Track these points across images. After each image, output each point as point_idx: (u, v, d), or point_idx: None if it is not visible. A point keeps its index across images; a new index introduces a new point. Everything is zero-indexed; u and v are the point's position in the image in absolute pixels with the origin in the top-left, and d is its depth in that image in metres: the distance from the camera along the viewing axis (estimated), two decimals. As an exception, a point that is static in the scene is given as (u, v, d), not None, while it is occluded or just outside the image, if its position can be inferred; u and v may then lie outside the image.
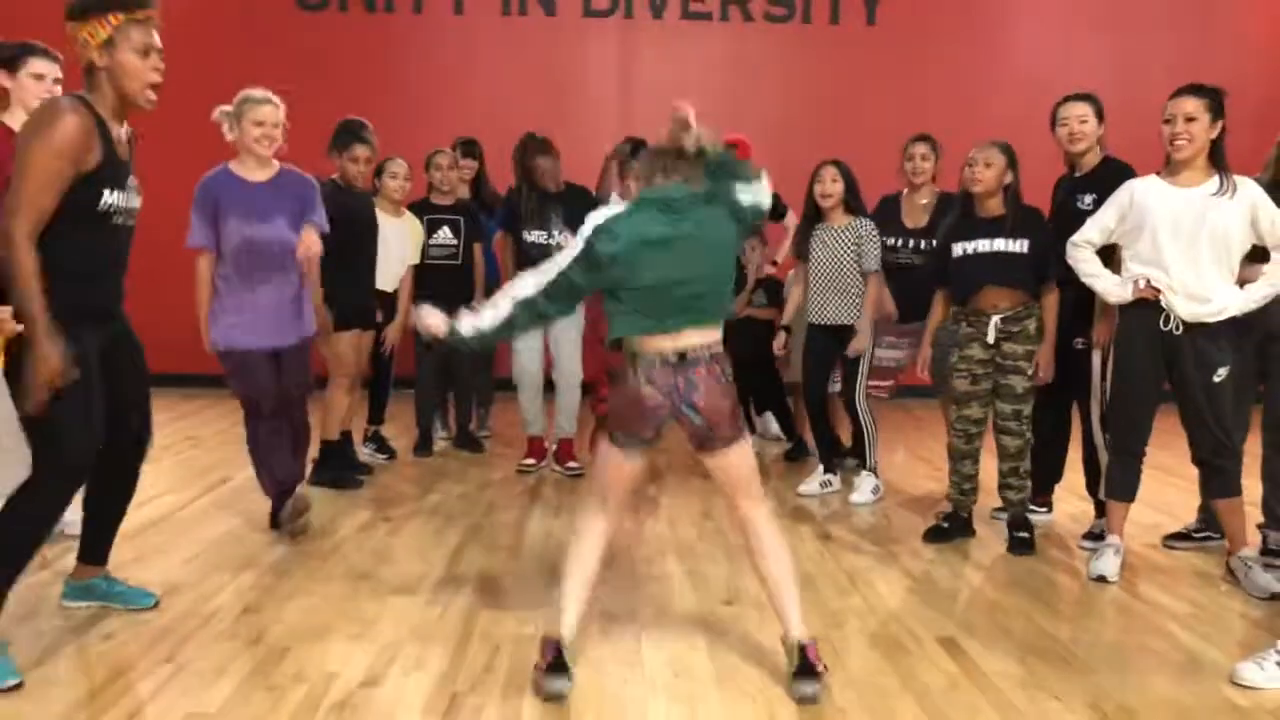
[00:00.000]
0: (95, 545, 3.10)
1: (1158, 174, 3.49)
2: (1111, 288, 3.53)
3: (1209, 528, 3.89)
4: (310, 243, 3.77)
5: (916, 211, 4.73)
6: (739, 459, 2.65)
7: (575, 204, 4.66)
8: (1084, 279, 3.61)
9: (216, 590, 3.27)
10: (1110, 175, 3.86)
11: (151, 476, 4.10)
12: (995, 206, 3.83)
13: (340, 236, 4.27)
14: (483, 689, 2.58)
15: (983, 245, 3.80)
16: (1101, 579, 3.50)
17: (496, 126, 5.87)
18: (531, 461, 5.04)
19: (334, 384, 4.68)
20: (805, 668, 2.55)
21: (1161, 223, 3.39)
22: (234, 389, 3.84)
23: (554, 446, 5.08)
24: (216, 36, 7.20)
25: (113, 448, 2.86)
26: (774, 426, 5.87)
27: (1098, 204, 3.77)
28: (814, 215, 4.61)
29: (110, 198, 2.64)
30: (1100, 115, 3.97)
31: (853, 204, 4.56)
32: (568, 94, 7.45)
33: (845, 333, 4.55)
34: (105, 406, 2.74)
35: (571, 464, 5.00)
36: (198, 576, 3.41)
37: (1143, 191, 3.47)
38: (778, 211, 5.83)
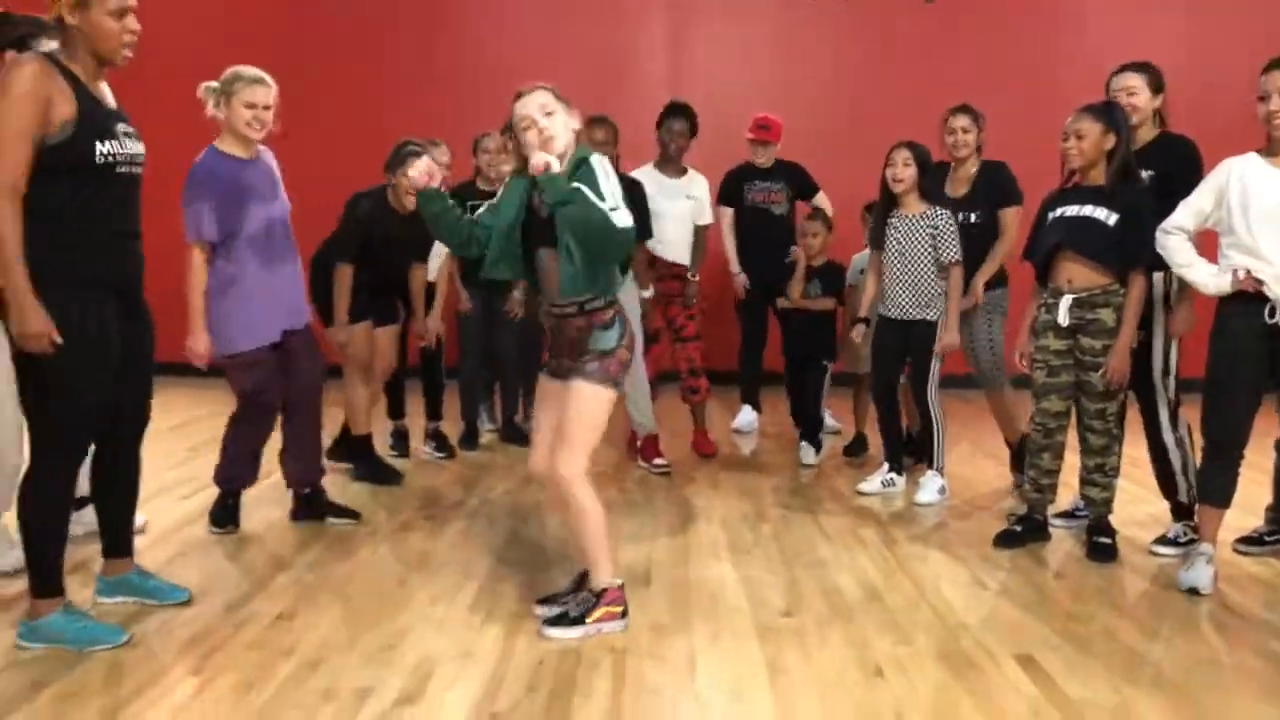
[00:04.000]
0: (115, 537, 3.03)
1: (1258, 152, 3.20)
2: (1207, 279, 3.24)
3: None
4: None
5: (960, 182, 4.49)
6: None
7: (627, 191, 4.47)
8: (1176, 269, 3.33)
9: (250, 594, 3.14)
10: (1166, 150, 3.62)
11: (192, 470, 4.00)
12: (1097, 176, 3.53)
13: (358, 250, 4.25)
14: (524, 709, 2.40)
15: (1071, 210, 3.53)
16: (1194, 591, 3.23)
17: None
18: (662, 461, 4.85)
19: (347, 377, 4.50)
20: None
21: (1261, 207, 3.11)
22: (238, 385, 3.64)
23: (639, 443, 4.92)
24: (257, 17, 7.11)
25: (110, 430, 2.82)
26: (829, 419, 5.63)
27: (1154, 179, 3.52)
28: (889, 201, 4.36)
29: (104, 147, 2.59)
30: (1156, 88, 3.69)
31: (929, 190, 4.31)
32: (617, 74, 7.25)
33: (915, 327, 4.31)
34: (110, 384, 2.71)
35: (658, 460, 4.81)
36: (233, 577, 3.30)
37: (1240, 172, 3.19)
38: (807, 190, 5.62)
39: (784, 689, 2.54)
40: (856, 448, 5.22)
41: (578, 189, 2.63)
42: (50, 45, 3.17)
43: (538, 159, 2.67)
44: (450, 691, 2.49)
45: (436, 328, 4.87)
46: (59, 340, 2.52)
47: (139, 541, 3.26)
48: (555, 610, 2.90)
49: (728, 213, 5.60)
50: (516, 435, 5.31)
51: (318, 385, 3.81)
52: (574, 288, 2.78)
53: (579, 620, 2.83)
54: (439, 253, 4.81)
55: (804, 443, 5.06)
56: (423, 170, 2.80)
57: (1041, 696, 2.51)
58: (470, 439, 5.22)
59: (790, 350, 5.20)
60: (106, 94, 2.73)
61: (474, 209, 5.02)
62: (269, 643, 2.77)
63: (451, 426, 5.24)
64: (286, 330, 3.65)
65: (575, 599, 2.92)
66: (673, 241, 5.05)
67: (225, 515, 3.79)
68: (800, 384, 5.17)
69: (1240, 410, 3.24)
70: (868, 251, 4.88)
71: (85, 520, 3.35)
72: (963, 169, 4.48)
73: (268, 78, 3.55)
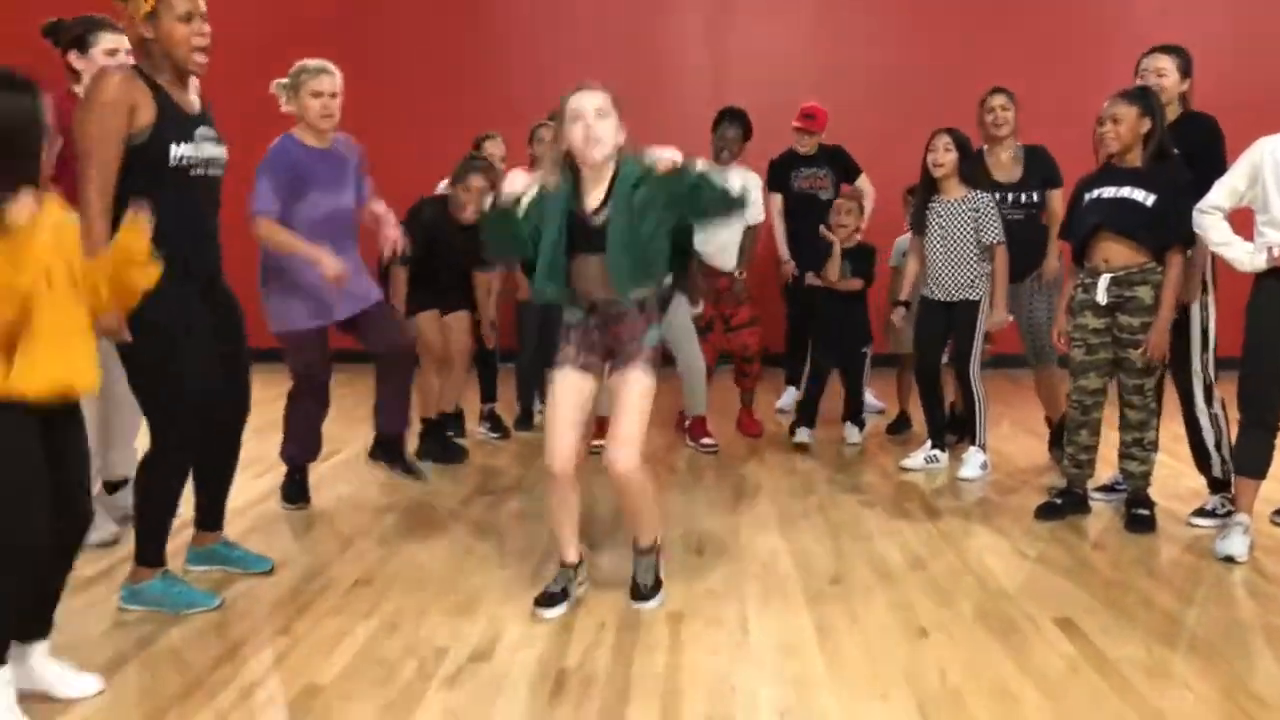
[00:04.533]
0: (209, 511, 3.24)
1: None
2: (1243, 256, 3.33)
3: None
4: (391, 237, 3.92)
5: (1004, 165, 4.60)
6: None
7: None
8: (1213, 248, 3.43)
9: (328, 563, 3.35)
10: (1190, 129, 3.73)
11: (262, 450, 4.22)
12: (1134, 159, 3.63)
13: (421, 253, 4.46)
14: (589, 666, 2.58)
15: (1108, 191, 3.63)
16: (1230, 559, 3.33)
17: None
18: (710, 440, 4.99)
19: (421, 366, 4.65)
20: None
21: None
22: (291, 364, 3.85)
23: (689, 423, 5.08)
24: (307, 10, 7.29)
25: (215, 416, 2.99)
26: (873, 399, 5.74)
27: (1179, 159, 3.63)
28: (930, 186, 4.48)
29: (179, 150, 2.76)
30: (1185, 71, 3.81)
31: (968, 174, 4.42)
32: (660, 63, 7.38)
33: (958, 308, 4.43)
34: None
35: (706, 440, 4.97)
36: (311, 548, 3.51)
37: (1274, 149, 3.27)
38: (850, 173, 5.71)
39: (832, 648, 2.70)
40: (900, 426, 5.34)
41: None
42: (107, 40, 3.36)
43: (666, 155, 2.76)
44: (520, 650, 2.68)
45: (490, 312, 5.05)
46: (128, 338, 2.66)
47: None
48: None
49: (777, 199, 5.68)
50: None
51: (409, 346, 4.06)
52: (638, 288, 2.86)
53: (659, 581, 3.02)
54: None
55: (848, 423, 5.17)
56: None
57: (1079, 655, 2.65)
58: (526, 420, 5.40)
59: (818, 330, 5.21)
60: (193, 100, 2.91)
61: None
62: (349, 607, 2.98)
63: (504, 409, 5.42)
64: (357, 313, 3.83)
65: (640, 566, 3.02)
66: (725, 243, 5.02)
67: (295, 491, 3.99)
68: (826, 368, 5.12)
69: (1276, 384, 3.33)
70: (909, 235, 5.00)
71: (121, 504, 3.54)
72: (1003, 150, 4.60)
73: (331, 66, 3.74)
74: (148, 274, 2.40)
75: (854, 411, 5.19)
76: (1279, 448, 3.42)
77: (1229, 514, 3.62)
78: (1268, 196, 3.26)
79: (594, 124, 2.73)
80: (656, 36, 7.49)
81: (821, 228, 5.13)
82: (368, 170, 3.97)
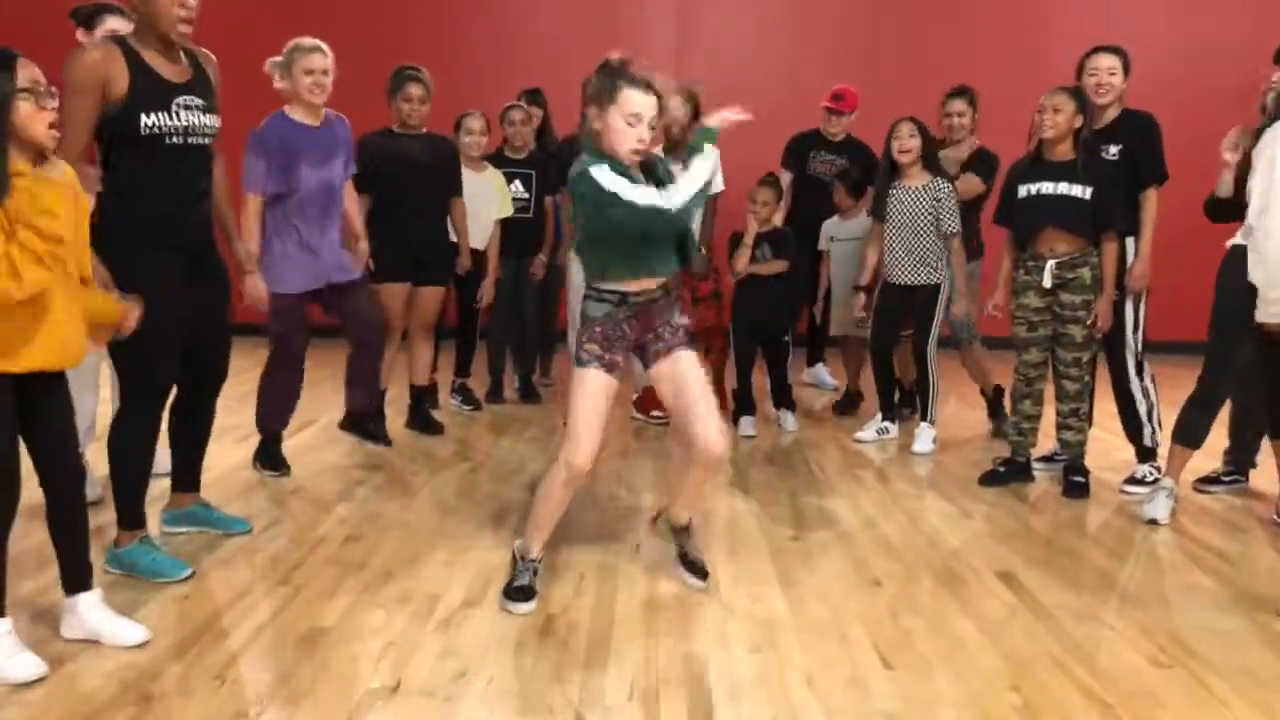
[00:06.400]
0: (185, 473, 3.35)
1: None
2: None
3: (1237, 471, 4.09)
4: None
5: (950, 165, 4.84)
6: None
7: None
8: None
9: (318, 521, 3.52)
10: (1131, 126, 4.01)
11: (243, 417, 4.36)
12: (1065, 151, 3.90)
13: (380, 189, 4.48)
14: (573, 611, 2.80)
15: (1047, 187, 3.90)
16: (1154, 522, 3.64)
17: (557, 81, 5.88)
18: (660, 412, 5.01)
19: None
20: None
21: None
22: (271, 327, 3.95)
23: (636, 395, 5.20)
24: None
25: (191, 381, 3.13)
26: (827, 377, 5.98)
27: (1122, 153, 3.93)
28: (890, 172, 4.68)
29: (149, 119, 2.81)
30: (1127, 70, 4.07)
31: (931, 162, 4.64)
32: (628, 48, 7.54)
33: (919, 291, 4.66)
34: (186, 335, 2.99)
35: (656, 412, 5.08)
36: (299, 509, 3.67)
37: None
38: (867, 172, 5.87)
39: (795, 596, 2.94)
40: (847, 404, 5.54)
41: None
42: (111, 22, 3.49)
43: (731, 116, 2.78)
44: (508, 597, 2.89)
45: (489, 296, 5.16)
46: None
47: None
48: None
49: (786, 177, 5.67)
50: (532, 394, 5.66)
51: (377, 324, 4.19)
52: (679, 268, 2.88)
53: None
54: (486, 222, 5.06)
55: (781, 410, 5.13)
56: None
57: (1018, 602, 2.92)
58: (496, 392, 5.57)
59: (736, 318, 5.07)
60: (178, 69, 2.94)
61: (506, 177, 5.33)
62: (343, 559, 3.16)
63: (476, 382, 5.59)
64: (335, 283, 3.99)
65: (691, 546, 3.08)
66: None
67: (271, 458, 4.12)
68: (749, 355, 5.05)
69: (1236, 363, 3.60)
70: (835, 219, 5.21)
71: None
72: (954, 152, 4.85)
73: (324, 45, 3.88)
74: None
75: (783, 398, 5.14)
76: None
77: (1155, 481, 3.92)
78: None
79: (646, 135, 2.63)
80: (624, 22, 7.66)
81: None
82: (351, 146, 4.10)
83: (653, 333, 2.84)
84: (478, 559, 3.18)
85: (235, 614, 2.74)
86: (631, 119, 2.61)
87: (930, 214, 4.58)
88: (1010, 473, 4.15)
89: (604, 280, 2.79)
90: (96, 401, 3.73)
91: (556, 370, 6.12)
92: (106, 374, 3.46)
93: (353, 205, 4.20)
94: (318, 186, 3.90)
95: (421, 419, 4.88)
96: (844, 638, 2.67)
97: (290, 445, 4.32)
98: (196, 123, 2.94)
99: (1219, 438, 4.24)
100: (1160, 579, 3.16)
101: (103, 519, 3.14)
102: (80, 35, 3.51)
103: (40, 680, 2.32)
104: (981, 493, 4.04)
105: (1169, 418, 3.85)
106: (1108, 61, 4.05)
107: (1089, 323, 3.91)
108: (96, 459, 3.25)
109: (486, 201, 5.05)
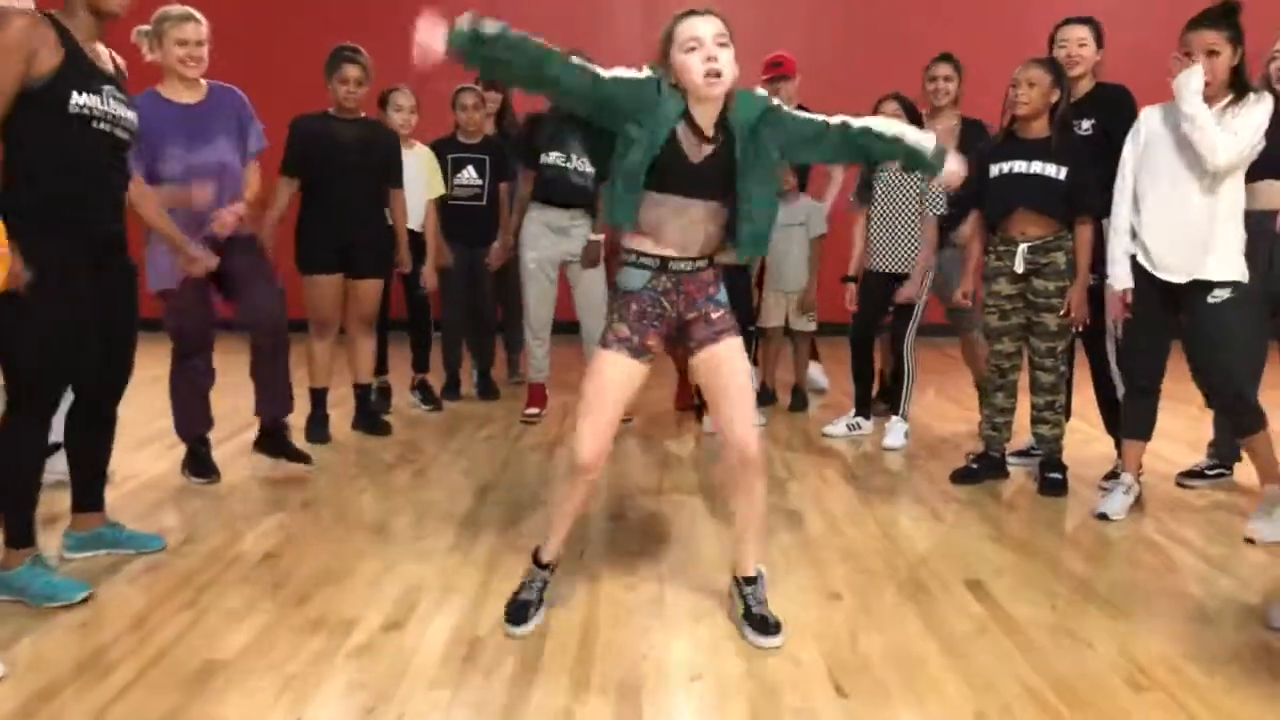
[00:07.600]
0: (86, 491, 3.07)
1: None
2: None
3: (1222, 464, 3.88)
4: (228, 221, 3.60)
5: (943, 135, 4.58)
6: None
7: (593, 134, 4.52)
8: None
9: (239, 535, 3.27)
10: (1105, 100, 3.79)
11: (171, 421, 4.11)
12: (1040, 128, 3.66)
13: (309, 173, 4.21)
14: (501, 635, 2.55)
15: (1020, 166, 3.65)
16: (1104, 517, 3.45)
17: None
18: (535, 410, 4.94)
19: (310, 333, 4.44)
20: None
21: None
22: (168, 325, 3.68)
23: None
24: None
25: (89, 387, 2.88)
26: (820, 376, 5.73)
27: (1095, 128, 3.71)
28: None
29: (80, 99, 2.63)
30: (1099, 41, 3.84)
31: None
32: (592, 27, 7.30)
33: (901, 280, 4.44)
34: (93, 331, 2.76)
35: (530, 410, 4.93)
36: (221, 521, 3.42)
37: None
38: None
39: (747, 613, 2.70)
40: (762, 398, 5.12)
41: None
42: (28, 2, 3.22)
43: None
44: (434, 620, 2.64)
45: (432, 282, 4.91)
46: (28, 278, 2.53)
47: (116, 491, 3.36)
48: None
49: None
50: (490, 390, 5.42)
51: (274, 325, 3.79)
52: (759, 253, 2.66)
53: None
54: (417, 203, 4.82)
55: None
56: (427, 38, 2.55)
57: (987, 615, 2.69)
58: (453, 389, 5.34)
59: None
60: (104, 59, 2.77)
61: (456, 164, 5.12)
62: (258, 578, 2.91)
63: (433, 377, 5.35)
64: (233, 270, 3.64)
65: (754, 597, 2.60)
66: None
67: (200, 466, 3.84)
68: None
69: (1152, 354, 3.45)
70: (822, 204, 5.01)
71: (57, 469, 3.30)
72: (939, 121, 4.59)
73: (197, 14, 3.56)
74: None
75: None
76: (1187, 415, 3.52)
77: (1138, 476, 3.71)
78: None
79: (717, 52, 2.34)
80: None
81: None
82: (253, 118, 3.77)
83: (691, 304, 2.53)
84: (406, 575, 2.93)
85: (126, 644, 2.48)
86: (691, 43, 2.36)
87: (915, 198, 4.35)
88: (984, 469, 3.93)
89: (642, 240, 2.49)
90: None
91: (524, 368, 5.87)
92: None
93: (255, 184, 3.82)
94: (184, 172, 3.53)
95: (367, 420, 4.63)
96: (797, 662, 2.43)
97: (225, 451, 4.07)
98: (122, 114, 2.77)
99: (1204, 430, 4.05)
100: (1140, 586, 2.93)
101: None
102: None
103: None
104: (954, 491, 3.81)
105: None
106: (1078, 33, 3.83)
107: (1063, 312, 3.68)
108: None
109: (417, 181, 4.79)
